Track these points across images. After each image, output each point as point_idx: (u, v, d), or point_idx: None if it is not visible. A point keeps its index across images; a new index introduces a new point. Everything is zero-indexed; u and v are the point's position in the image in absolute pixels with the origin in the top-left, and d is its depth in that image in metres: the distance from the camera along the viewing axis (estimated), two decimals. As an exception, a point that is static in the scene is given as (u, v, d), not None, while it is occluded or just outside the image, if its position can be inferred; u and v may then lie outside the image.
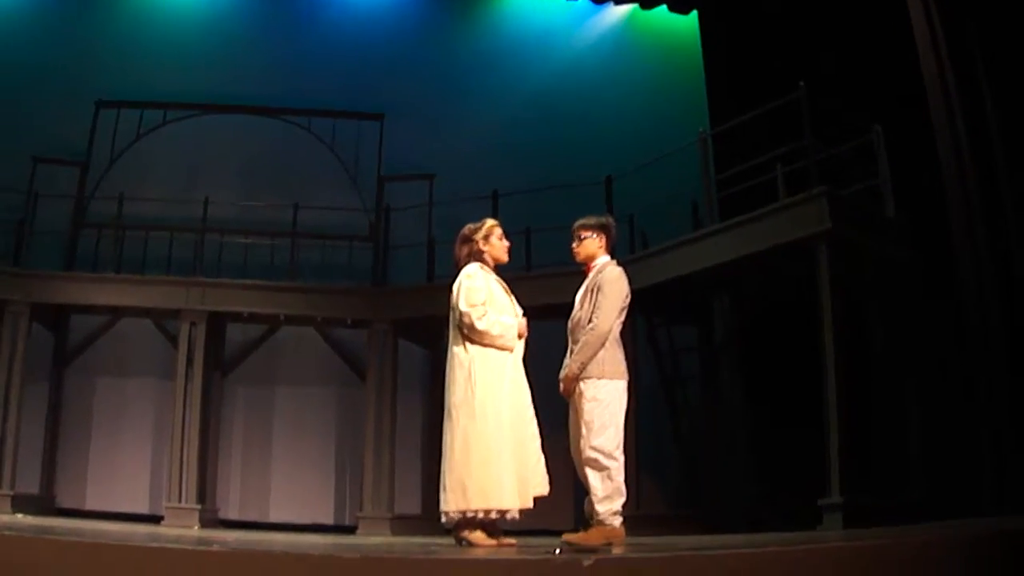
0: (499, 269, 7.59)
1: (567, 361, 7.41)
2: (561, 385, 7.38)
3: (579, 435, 7.25)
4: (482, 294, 7.16)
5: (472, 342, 7.12)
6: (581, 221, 7.82)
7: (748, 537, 7.80)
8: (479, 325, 7.03)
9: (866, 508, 9.63)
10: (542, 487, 7.12)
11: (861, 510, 9.57)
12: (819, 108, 11.58)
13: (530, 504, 6.97)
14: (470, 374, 7.04)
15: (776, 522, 10.53)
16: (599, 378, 7.26)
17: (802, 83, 11.52)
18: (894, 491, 10.92)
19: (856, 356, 10.99)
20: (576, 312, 7.55)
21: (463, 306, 7.09)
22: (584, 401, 7.22)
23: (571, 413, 7.44)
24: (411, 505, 15.09)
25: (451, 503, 6.83)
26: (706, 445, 13.65)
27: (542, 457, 7.19)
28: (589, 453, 7.14)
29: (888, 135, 11.59)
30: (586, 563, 4.15)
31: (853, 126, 11.87)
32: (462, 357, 7.13)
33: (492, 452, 6.82)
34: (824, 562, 4.32)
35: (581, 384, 7.25)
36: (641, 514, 11.60)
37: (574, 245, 7.77)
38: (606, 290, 7.42)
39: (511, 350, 7.20)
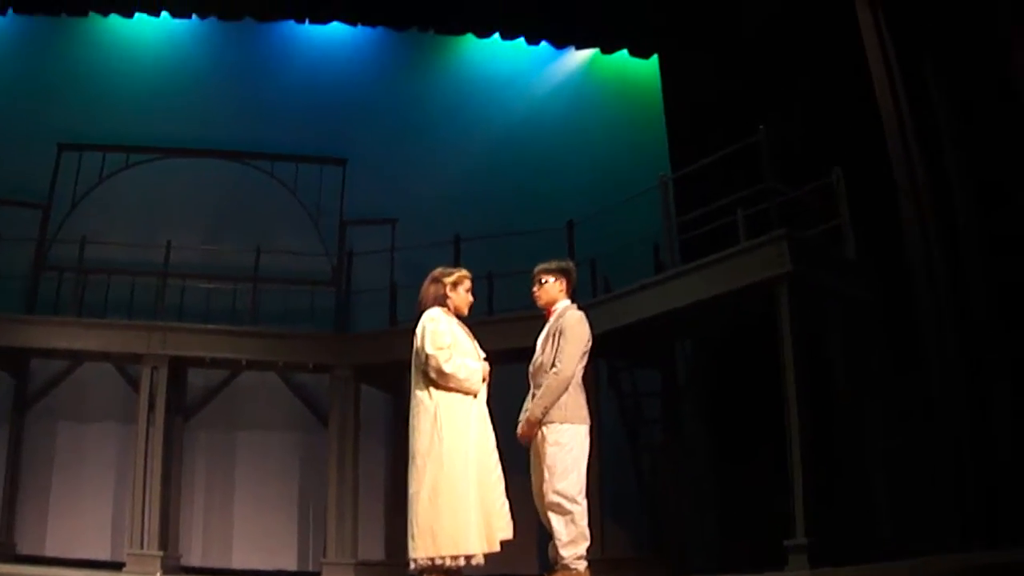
0: (460, 317, 7.60)
1: (528, 405, 7.46)
2: (521, 428, 7.43)
3: (541, 480, 7.29)
4: (447, 337, 7.15)
5: (437, 387, 7.09)
6: (542, 266, 7.93)
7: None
8: (446, 368, 7.00)
9: (832, 547, 9.65)
10: (507, 531, 7.11)
11: (827, 549, 9.59)
12: (779, 150, 11.69)
13: (496, 548, 6.97)
14: (435, 419, 7.01)
15: (742, 563, 10.55)
16: (561, 422, 7.34)
17: (762, 126, 11.63)
18: (860, 528, 10.94)
19: (819, 395, 11.03)
20: (538, 357, 7.62)
21: (429, 349, 7.06)
22: (547, 445, 7.29)
23: (533, 458, 7.49)
24: (375, 551, 15.01)
25: (420, 550, 6.80)
26: (671, 487, 13.66)
27: (506, 501, 7.18)
28: (552, 497, 7.19)
29: (848, 176, 11.68)
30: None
31: (813, 168, 11.96)
32: (427, 403, 7.10)
33: (460, 498, 6.80)
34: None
35: (543, 428, 7.33)
36: (606, 558, 11.60)
37: (535, 289, 7.88)
38: (568, 335, 7.50)
39: (476, 394, 7.19)
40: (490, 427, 7.28)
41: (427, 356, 7.07)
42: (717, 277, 11.59)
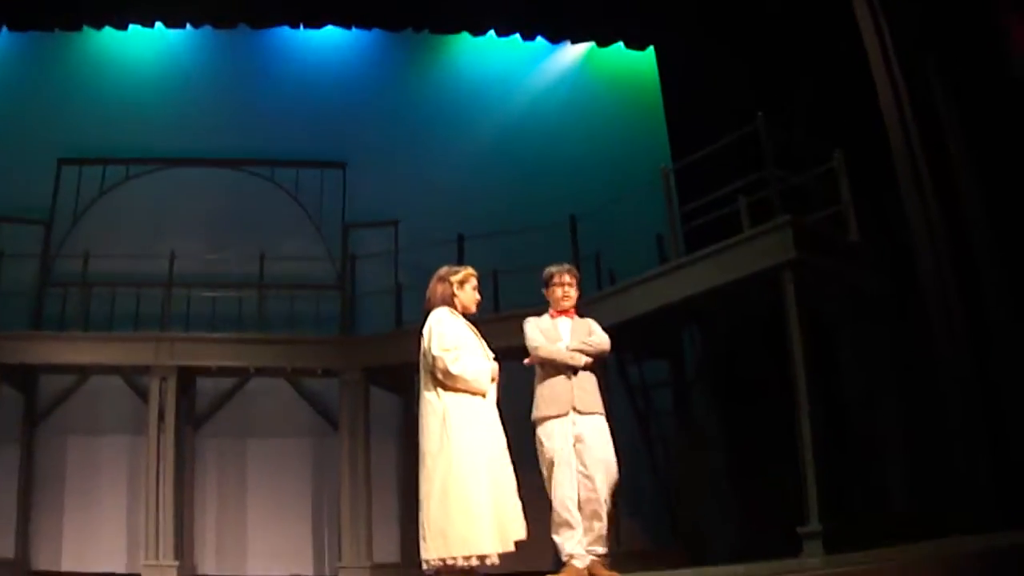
0: (467, 315, 7.60)
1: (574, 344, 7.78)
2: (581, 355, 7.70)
3: (602, 470, 7.59)
4: (454, 337, 7.13)
5: (445, 388, 7.06)
6: (572, 268, 8.19)
7: (730, 569, 7.81)
8: (453, 369, 6.97)
9: (846, 532, 9.63)
10: (520, 531, 7.07)
11: (841, 535, 9.57)
12: (779, 137, 11.67)
13: (511, 548, 6.94)
14: (444, 420, 6.98)
15: (757, 551, 10.53)
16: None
17: (760, 113, 11.61)
18: (875, 513, 10.92)
19: (829, 380, 11.04)
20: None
21: (436, 350, 7.04)
22: (606, 436, 7.72)
23: (575, 450, 7.52)
24: (390, 553, 14.99)
25: (432, 551, 6.78)
26: (684, 478, 13.64)
27: (519, 501, 7.15)
28: (612, 489, 7.55)
29: (849, 159, 11.66)
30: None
31: (814, 153, 11.95)
32: (435, 404, 7.07)
33: (471, 499, 6.78)
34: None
35: (600, 420, 7.72)
36: (623, 551, 11.57)
37: (572, 291, 8.08)
38: (600, 330, 7.99)
39: (484, 394, 7.17)
40: (500, 426, 7.26)
41: (434, 357, 7.05)
42: (721, 266, 11.58)
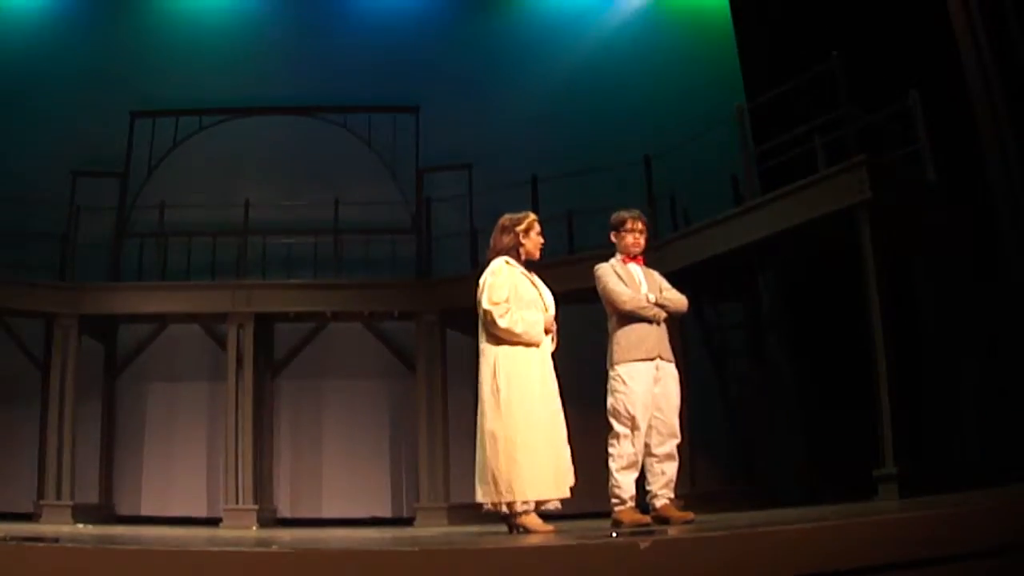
0: (532, 262, 7.62)
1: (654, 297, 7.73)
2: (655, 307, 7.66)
3: (674, 410, 7.60)
4: (505, 291, 7.21)
5: (497, 339, 7.19)
6: (642, 214, 8.11)
7: (805, 511, 7.78)
8: (501, 323, 7.08)
9: (922, 476, 9.57)
10: (570, 478, 7.20)
11: (917, 479, 9.51)
12: (854, 76, 11.52)
13: (567, 494, 7.09)
14: (495, 369, 7.14)
15: (831, 494, 10.50)
16: None
17: (835, 52, 11.46)
18: (950, 457, 10.84)
19: (905, 323, 10.93)
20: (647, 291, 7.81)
21: (486, 304, 7.18)
22: (678, 384, 7.64)
23: (650, 390, 7.55)
24: (467, 494, 15.05)
25: (484, 495, 7.01)
26: (758, 420, 13.60)
27: (568, 448, 7.25)
28: (677, 436, 7.56)
29: (925, 98, 11.50)
30: (643, 545, 4.13)
31: (890, 92, 11.79)
32: (488, 354, 7.24)
33: (518, 446, 6.92)
34: (883, 534, 4.29)
35: (675, 369, 7.71)
36: (696, 492, 11.60)
37: (642, 239, 8.01)
38: (671, 287, 7.99)
39: (538, 345, 7.24)
40: (553, 376, 7.33)
41: (484, 311, 7.20)
42: (797, 206, 11.49)
